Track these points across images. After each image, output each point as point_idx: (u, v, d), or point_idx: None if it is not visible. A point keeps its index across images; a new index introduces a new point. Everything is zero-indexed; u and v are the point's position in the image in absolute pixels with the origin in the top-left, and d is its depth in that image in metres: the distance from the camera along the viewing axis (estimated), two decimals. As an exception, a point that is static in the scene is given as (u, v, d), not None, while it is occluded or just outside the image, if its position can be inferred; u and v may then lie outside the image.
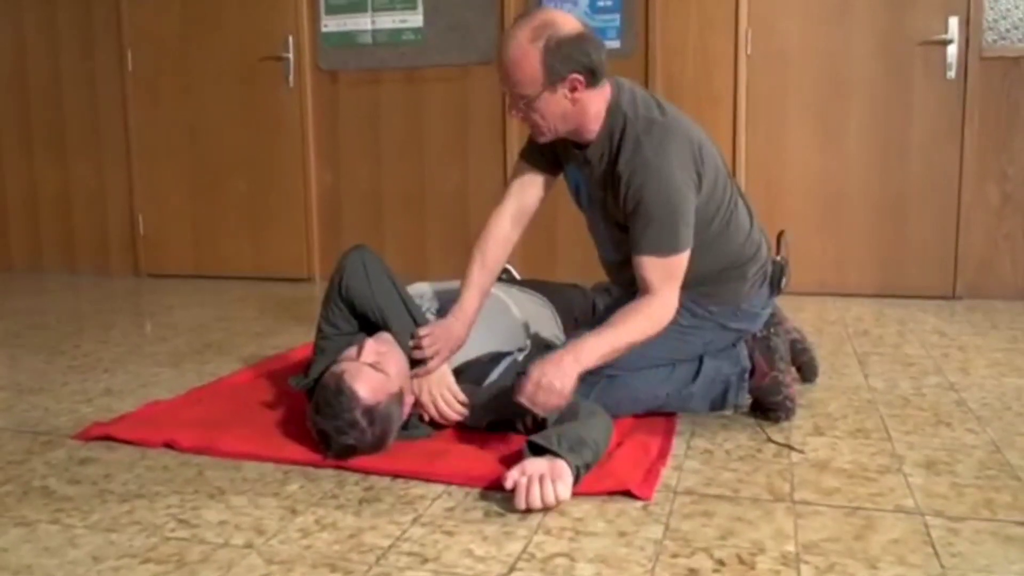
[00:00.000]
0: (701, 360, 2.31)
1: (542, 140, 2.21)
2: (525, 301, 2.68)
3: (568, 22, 2.07)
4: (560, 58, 2.02)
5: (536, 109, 2.10)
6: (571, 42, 2.03)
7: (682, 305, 2.17)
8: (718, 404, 2.33)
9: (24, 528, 1.74)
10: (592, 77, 2.07)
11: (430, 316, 2.37)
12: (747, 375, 2.31)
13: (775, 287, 2.37)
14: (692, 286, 2.21)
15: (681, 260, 2.11)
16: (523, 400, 1.96)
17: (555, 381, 1.95)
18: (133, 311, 4.30)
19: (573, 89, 2.07)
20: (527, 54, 2.03)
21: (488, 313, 2.46)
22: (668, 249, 2.09)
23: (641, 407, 2.31)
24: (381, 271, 2.27)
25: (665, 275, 2.10)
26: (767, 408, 2.34)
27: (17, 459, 2.14)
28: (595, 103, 2.13)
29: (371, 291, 2.24)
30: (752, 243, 2.31)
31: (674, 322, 2.16)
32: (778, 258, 2.39)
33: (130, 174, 5.28)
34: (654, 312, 2.09)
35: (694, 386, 2.30)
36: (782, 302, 2.56)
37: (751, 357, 2.33)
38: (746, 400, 2.35)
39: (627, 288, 2.25)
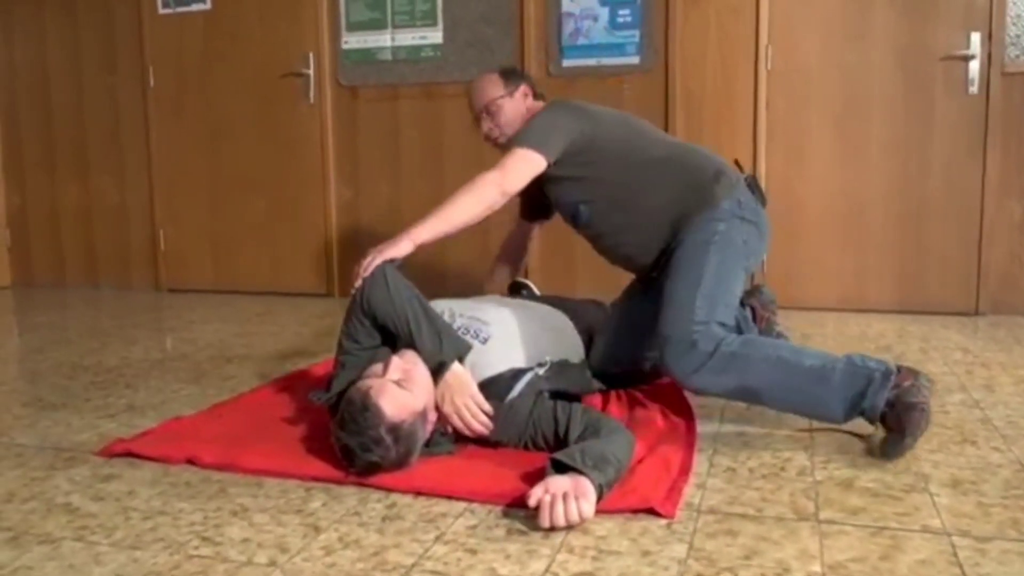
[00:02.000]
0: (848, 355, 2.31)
1: (498, 144, 2.81)
2: (545, 317, 2.68)
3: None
4: (512, 76, 2.86)
5: (501, 113, 2.79)
6: (515, 69, 2.97)
7: (713, 220, 2.47)
8: (856, 402, 2.20)
9: (48, 545, 1.74)
10: (533, 90, 2.87)
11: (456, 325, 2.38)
12: (892, 377, 2.20)
13: (757, 192, 2.61)
14: (693, 201, 2.51)
15: (525, 152, 2.53)
16: (361, 265, 2.29)
17: (387, 247, 2.33)
18: (154, 326, 4.32)
19: (525, 96, 2.83)
20: (487, 77, 2.86)
21: (509, 330, 2.46)
22: (520, 140, 2.57)
23: (783, 372, 2.27)
24: (403, 285, 2.27)
25: (507, 159, 2.53)
26: (898, 419, 2.16)
27: (40, 475, 2.15)
28: (534, 111, 2.75)
29: (392, 304, 2.23)
30: (711, 164, 2.60)
31: (715, 232, 2.46)
32: (746, 175, 2.64)
33: (151, 189, 5.33)
34: (474, 184, 2.48)
35: (839, 365, 2.24)
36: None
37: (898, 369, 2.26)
38: (881, 405, 2.19)
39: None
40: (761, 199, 2.61)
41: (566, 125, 2.60)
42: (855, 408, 2.22)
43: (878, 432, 2.26)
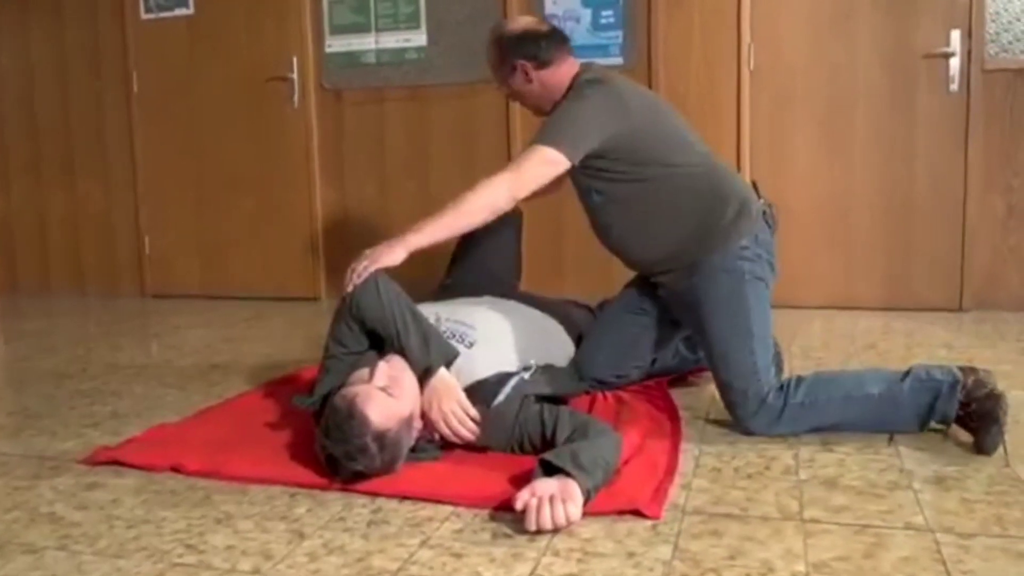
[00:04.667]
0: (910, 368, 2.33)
1: (536, 114, 2.67)
2: (532, 320, 2.67)
3: (517, 23, 2.66)
4: (507, 53, 2.58)
5: (513, 91, 2.65)
6: (514, 39, 2.57)
7: (739, 259, 2.40)
8: (925, 414, 2.27)
9: (31, 555, 1.74)
10: (536, 62, 2.54)
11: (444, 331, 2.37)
12: (959, 387, 2.23)
13: (772, 223, 2.54)
14: (708, 231, 2.42)
15: (547, 153, 2.36)
16: (354, 269, 2.26)
17: (383, 252, 2.28)
18: (140, 333, 4.30)
19: (525, 73, 2.56)
20: (489, 51, 2.64)
21: (495, 334, 2.46)
22: (544, 137, 2.39)
23: (854, 407, 2.31)
24: (393, 290, 2.26)
25: (524, 157, 2.38)
26: (980, 413, 2.20)
27: (24, 484, 2.14)
28: (555, 78, 2.55)
29: (382, 308, 2.22)
30: (737, 196, 2.47)
31: (743, 272, 2.41)
32: (762, 201, 2.54)
33: (136, 195, 5.31)
34: (484, 186, 2.37)
35: (905, 384, 2.27)
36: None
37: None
38: (953, 413, 2.24)
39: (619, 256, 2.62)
40: (773, 228, 2.54)
41: (602, 123, 2.41)
42: (929, 418, 2.28)
43: (952, 429, 2.30)
